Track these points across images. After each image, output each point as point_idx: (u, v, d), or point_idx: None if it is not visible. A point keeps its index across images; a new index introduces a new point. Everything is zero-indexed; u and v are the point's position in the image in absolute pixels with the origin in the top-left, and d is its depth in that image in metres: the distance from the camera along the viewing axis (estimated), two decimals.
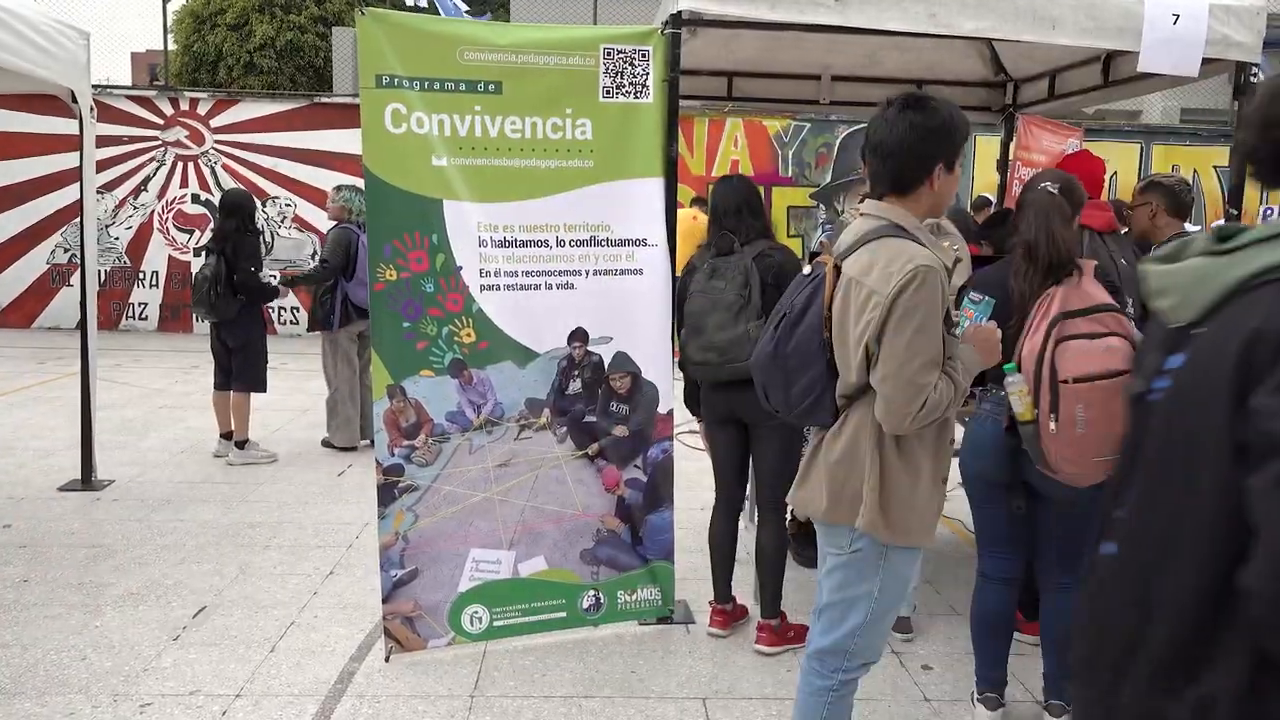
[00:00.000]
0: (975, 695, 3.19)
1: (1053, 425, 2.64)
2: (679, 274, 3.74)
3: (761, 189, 13.79)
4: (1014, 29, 3.70)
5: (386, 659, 3.50)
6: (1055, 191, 2.97)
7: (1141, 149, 12.49)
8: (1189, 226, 5.13)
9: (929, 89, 5.79)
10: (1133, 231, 4.13)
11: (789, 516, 4.72)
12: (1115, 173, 12.29)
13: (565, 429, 3.64)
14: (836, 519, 2.34)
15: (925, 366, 2.17)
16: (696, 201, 11.07)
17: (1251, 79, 3.87)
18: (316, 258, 6.37)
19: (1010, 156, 6.19)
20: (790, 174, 12.02)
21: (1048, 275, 2.85)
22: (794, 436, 3.62)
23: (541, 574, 3.66)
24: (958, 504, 5.63)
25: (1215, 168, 12.43)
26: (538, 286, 3.56)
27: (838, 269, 2.32)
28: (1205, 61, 3.79)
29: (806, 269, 2.52)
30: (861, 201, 3.88)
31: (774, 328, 2.43)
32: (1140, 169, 12.33)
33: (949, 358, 2.26)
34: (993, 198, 7.76)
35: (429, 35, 3.40)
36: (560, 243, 3.57)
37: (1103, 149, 12.19)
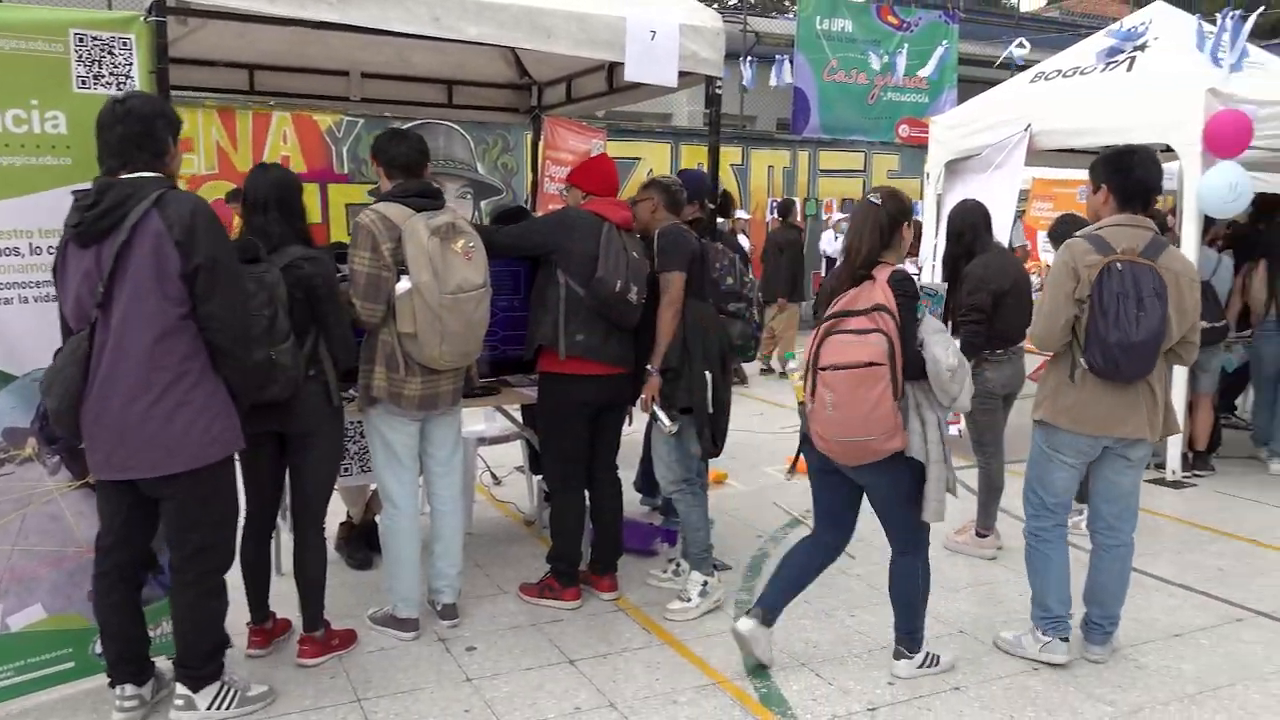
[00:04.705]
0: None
1: (810, 405, 3.22)
2: None
3: (317, 186, 12.81)
4: (513, 36, 3.92)
5: None
6: (877, 203, 3.28)
7: (672, 148, 13.89)
8: (740, 213, 5.88)
9: (459, 89, 6.01)
10: (636, 223, 4.57)
11: (345, 517, 4.65)
12: (651, 169, 13.56)
13: (58, 458, 3.25)
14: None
15: None
16: (234, 195, 10.38)
17: (717, 91, 4.47)
18: None
19: (540, 156, 6.57)
20: (347, 171, 11.70)
21: (852, 277, 3.25)
22: (338, 447, 3.57)
23: (39, 624, 3.23)
24: (510, 489, 5.92)
25: (731, 165, 14.18)
26: (10, 300, 3.13)
27: None
28: (682, 74, 4.32)
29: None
30: None
31: None
32: (671, 165, 13.70)
33: None
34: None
35: None
36: (36, 250, 3.17)
37: (639, 148, 13.50)
